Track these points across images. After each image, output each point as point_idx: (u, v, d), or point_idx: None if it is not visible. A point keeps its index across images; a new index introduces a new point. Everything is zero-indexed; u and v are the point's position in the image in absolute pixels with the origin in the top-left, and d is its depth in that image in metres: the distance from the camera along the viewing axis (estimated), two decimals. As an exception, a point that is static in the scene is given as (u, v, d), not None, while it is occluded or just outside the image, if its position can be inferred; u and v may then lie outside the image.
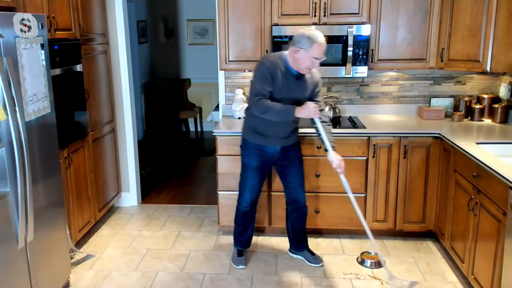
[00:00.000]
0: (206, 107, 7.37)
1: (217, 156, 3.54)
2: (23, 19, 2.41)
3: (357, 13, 3.50)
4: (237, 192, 3.25)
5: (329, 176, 3.39)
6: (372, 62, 3.59)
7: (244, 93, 3.93)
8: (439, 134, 3.34)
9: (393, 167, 3.46)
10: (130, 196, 4.40)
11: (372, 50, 3.56)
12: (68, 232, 3.06)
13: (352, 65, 3.50)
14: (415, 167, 3.45)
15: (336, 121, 3.70)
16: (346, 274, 3.16)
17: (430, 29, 3.52)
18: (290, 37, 3.27)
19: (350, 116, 3.88)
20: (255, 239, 3.63)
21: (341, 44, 3.48)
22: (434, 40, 3.53)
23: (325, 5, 3.49)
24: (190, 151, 6.58)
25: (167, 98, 7.19)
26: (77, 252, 3.37)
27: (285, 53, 2.90)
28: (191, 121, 7.42)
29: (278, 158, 3.10)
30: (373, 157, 3.45)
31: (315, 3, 3.49)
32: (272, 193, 3.55)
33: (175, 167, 5.73)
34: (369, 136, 3.42)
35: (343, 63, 3.51)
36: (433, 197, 3.47)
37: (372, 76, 3.93)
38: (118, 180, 4.29)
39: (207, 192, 4.76)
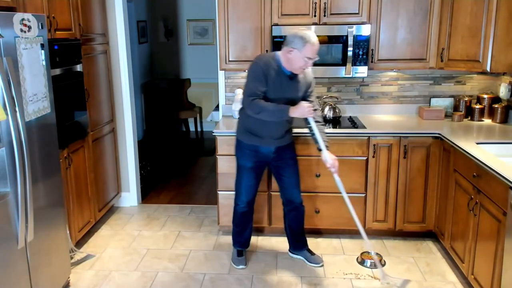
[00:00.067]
0: (206, 107, 7.37)
1: (217, 156, 3.54)
2: (23, 19, 2.41)
3: (357, 13, 3.50)
4: (237, 192, 3.25)
5: (329, 176, 3.36)
6: (372, 62, 3.59)
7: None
8: (439, 134, 3.34)
9: (393, 167, 3.46)
10: (130, 196, 4.40)
11: (372, 50, 3.56)
12: (68, 232, 3.06)
13: (352, 65, 3.50)
14: (415, 167, 3.45)
15: (336, 121, 3.70)
16: (346, 274, 3.16)
17: (430, 29, 3.52)
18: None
19: (350, 116, 3.88)
20: (255, 239, 3.63)
21: (341, 44, 3.48)
22: (434, 40, 3.53)
23: (325, 5, 3.49)
24: (190, 151, 6.58)
25: (167, 98, 7.19)
26: (77, 252, 3.37)
27: (278, 53, 2.91)
28: (191, 121, 7.42)
29: (272, 159, 3.11)
30: (373, 157, 3.45)
31: (315, 3, 3.49)
32: (272, 193, 3.55)
33: (175, 167, 5.73)
34: (369, 136, 3.42)
35: (343, 63, 3.51)
36: (433, 197, 3.47)
37: (372, 76, 3.93)
38: (118, 180, 4.29)
39: (207, 192, 4.76)
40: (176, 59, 7.52)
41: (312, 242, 3.53)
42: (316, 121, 2.95)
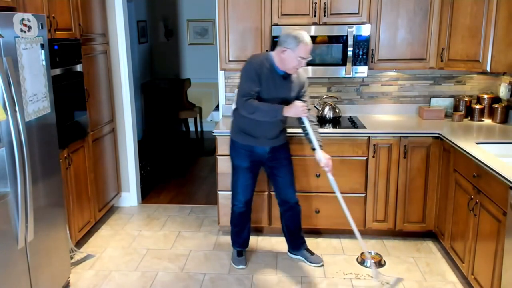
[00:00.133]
0: (206, 107, 7.36)
1: (217, 156, 3.54)
2: (23, 19, 2.41)
3: (357, 13, 3.50)
4: (237, 192, 3.25)
5: (329, 176, 3.39)
6: (372, 62, 3.59)
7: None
8: (439, 134, 3.34)
9: (393, 167, 3.46)
10: (130, 196, 4.40)
11: (372, 50, 3.56)
12: (68, 232, 3.06)
13: (352, 65, 3.50)
14: (415, 167, 3.45)
15: (336, 121, 3.70)
16: (346, 274, 3.16)
17: (430, 29, 3.52)
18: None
19: (350, 116, 3.88)
20: (255, 239, 3.63)
21: (341, 44, 3.48)
22: (434, 40, 3.53)
23: (325, 5, 3.49)
24: (190, 151, 6.58)
25: (167, 98, 7.19)
26: (77, 252, 3.37)
27: (272, 53, 2.92)
28: (191, 121, 7.42)
29: (267, 159, 3.11)
30: (373, 157, 3.45)
31: (315, 3, 3.49)
32: (272, 193, 3.54)
33: (175, 167, 5.73)
34: (369, 136, 3.42)
35: (343, 63, 3.51)
36: (433, 197, 3.47)
37: (372, 76, 3.93)
38: (118, 180, 4.29)
39: (207, 192, 4.76)
40: (176, 59, 7.52)
41: (312, 242, 3.54)
42: (310, 121, 2.96)
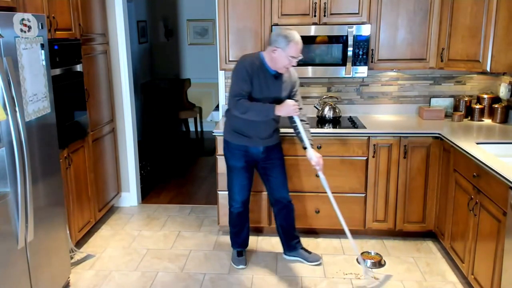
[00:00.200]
0: (206, 107, 7.37)
1: (217, 156, 3.54)
2: (23, 19, 2.41)
3: (357, 13, 3.50)
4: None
5: (329, 176, 3.36)
6: (372, 62, 3.59)
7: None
8: (439, 134, 3.34)
9: (393, 167, 3.46)
10: (130, 196, 4.40)
11: (372, 50, 3.56)
12: (68, 232, 3.06)
13: (352, 65, 3.50)
14: (415, 167, 3.45)
15: (336, 121, 3.70)
16: (346, 274, 3.16)
17: (430, 29, 3.52)
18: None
19: (350, 116, 3.88)
20: (255, 239, 3.63)
21: (341, 44, 3.48)
22: (434, 40, 3.53)
23: (325, 5, 3.49)
24: (190, 151, 6.58)
25: (167, 98, 7.19)
26: (77, 252, 3.37)
27: (263, 53, 2.93)
28: (191, 121, 7.43)
29: (261, 159, 3.11)
30: (373, 157, 3.45)
31: (315, 3, 3.49)
32: (272, 193, 3.55)
33: (175, 167, 5.73)
34: (369, 136, 3.42)
35: (343, 63, 3.51)
36: (433, 197, 3.47)
37: (372, 76, 3.93)
38: (118, 180, 4.29)
39: (207, 192, 4.76)
40: (176, 59, 7.52)
41: (312, 242, 3.54)
42: (301, 120, 2.97)
